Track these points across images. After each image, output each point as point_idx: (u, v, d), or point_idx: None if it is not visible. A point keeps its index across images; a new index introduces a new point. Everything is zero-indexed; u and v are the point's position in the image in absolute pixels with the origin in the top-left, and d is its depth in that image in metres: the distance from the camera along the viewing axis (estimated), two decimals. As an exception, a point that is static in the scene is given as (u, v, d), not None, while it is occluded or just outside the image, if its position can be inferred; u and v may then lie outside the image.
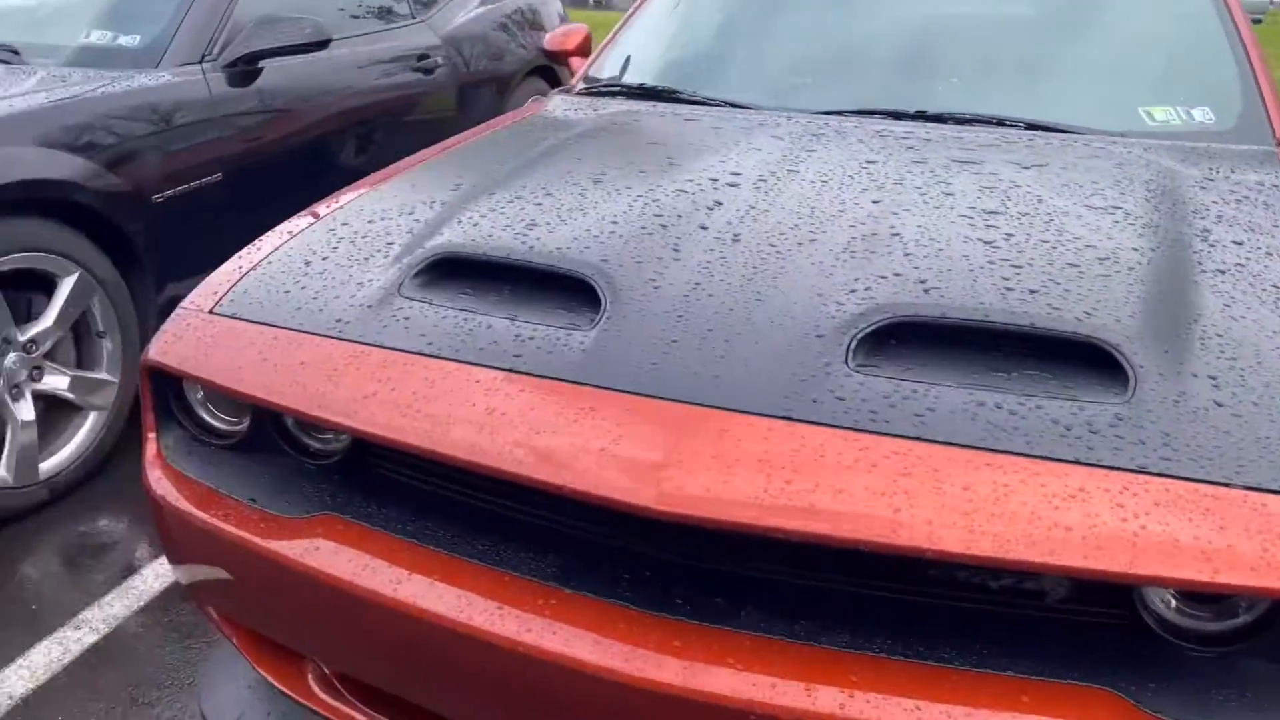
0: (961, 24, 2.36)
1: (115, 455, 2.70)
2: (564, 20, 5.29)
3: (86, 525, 2.47)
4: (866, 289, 1.34)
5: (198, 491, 1.49)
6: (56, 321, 2.47)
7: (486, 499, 1.35)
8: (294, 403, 1.34)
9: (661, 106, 2.27)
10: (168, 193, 2.72)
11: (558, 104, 2.42)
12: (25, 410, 2.43)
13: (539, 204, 1.64)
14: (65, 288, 2.48)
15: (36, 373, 2.47)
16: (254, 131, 3.02)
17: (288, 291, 1.51)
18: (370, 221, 1.70)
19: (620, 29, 2.77)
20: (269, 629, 1.53)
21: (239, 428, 1.56)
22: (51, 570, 2.29)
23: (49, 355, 2.51)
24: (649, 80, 2.45)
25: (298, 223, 1.75)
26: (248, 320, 1.47)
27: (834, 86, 2.26)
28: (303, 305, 1.47)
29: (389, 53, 3.73)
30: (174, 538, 1.52)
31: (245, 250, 1.67)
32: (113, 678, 1.96)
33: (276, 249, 1.64)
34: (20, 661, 1.99)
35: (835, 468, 1.11)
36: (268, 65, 3.08)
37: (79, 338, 2.61)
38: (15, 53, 2.81)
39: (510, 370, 1.29)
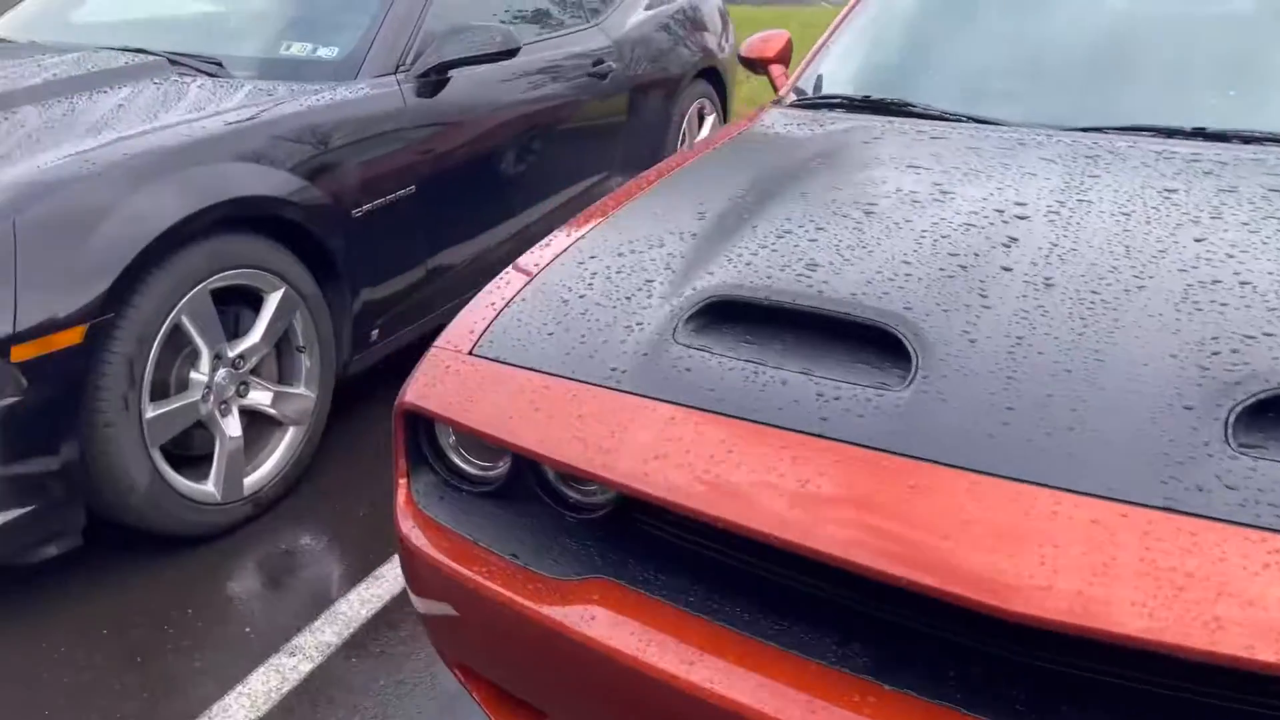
0: (1238, 25, 2.13)
1: (310, 470, 2.69)
2: (725, 18, 5.15)
3: (288, 543, 2.46)
4: (1234, 351, 1.16)
5: (454, 542, 1.41)
6: (263, 337, 2.47)
7: (783, 573, 1.23)
8: (574, 460, 1.24)
9: (897, 123, 2.11)
10: (366, 207, 2.69)
11: (775, 119, 2.28)
12: (233, 426, 2.44)
13: (813, 240, 1.51)
14: (272, 303, 2.48)
15: (243, 388, 2.47)
16: (444, 143, 2.98)
17: (550, 334, 1.42)
18: (620, 255, 1.59)
19: (832, 34, 2.62)
20: (518, 688, 1.45)
21: (492, 473, 1.48)
22: (260, 591, 2.28)
23: (253, 371, 2.51)
24: (874, 92, 2.29)
25: (539, 255, 1.66)
26: (513, 364, 1.39)
27: (1092, 99, 2.05)
28: (571, 350, 1.38)
29: (568, 58, 3.66)
30: (426, 585, 1.44)
31: (492, 286, 1.58)
32: (331, 713, 1.92)
33: (527, 285, 1.55)
34: (240, 689, 1.97)
35: (1242, 575, 0.94)
36: (455, 74, 3.04)
37: (279, 353, 2.60)
38: (219, 65, 2.83)
39: (818, 435, 1.16)
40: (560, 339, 1.41)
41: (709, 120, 4.85)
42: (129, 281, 2.11)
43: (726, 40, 5.04)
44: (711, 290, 1.41)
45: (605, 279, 1.52)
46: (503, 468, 1.46)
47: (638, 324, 1.39)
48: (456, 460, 1.50)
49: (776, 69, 2.83)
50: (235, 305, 2.47)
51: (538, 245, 1.72)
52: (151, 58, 2.82)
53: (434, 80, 2.98)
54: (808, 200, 1.67)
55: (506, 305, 1.51)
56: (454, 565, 1.37)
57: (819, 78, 2.48)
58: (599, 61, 3.85)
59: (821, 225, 1.55)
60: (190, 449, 2.41)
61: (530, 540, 1.38)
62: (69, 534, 2.16)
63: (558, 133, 3.58)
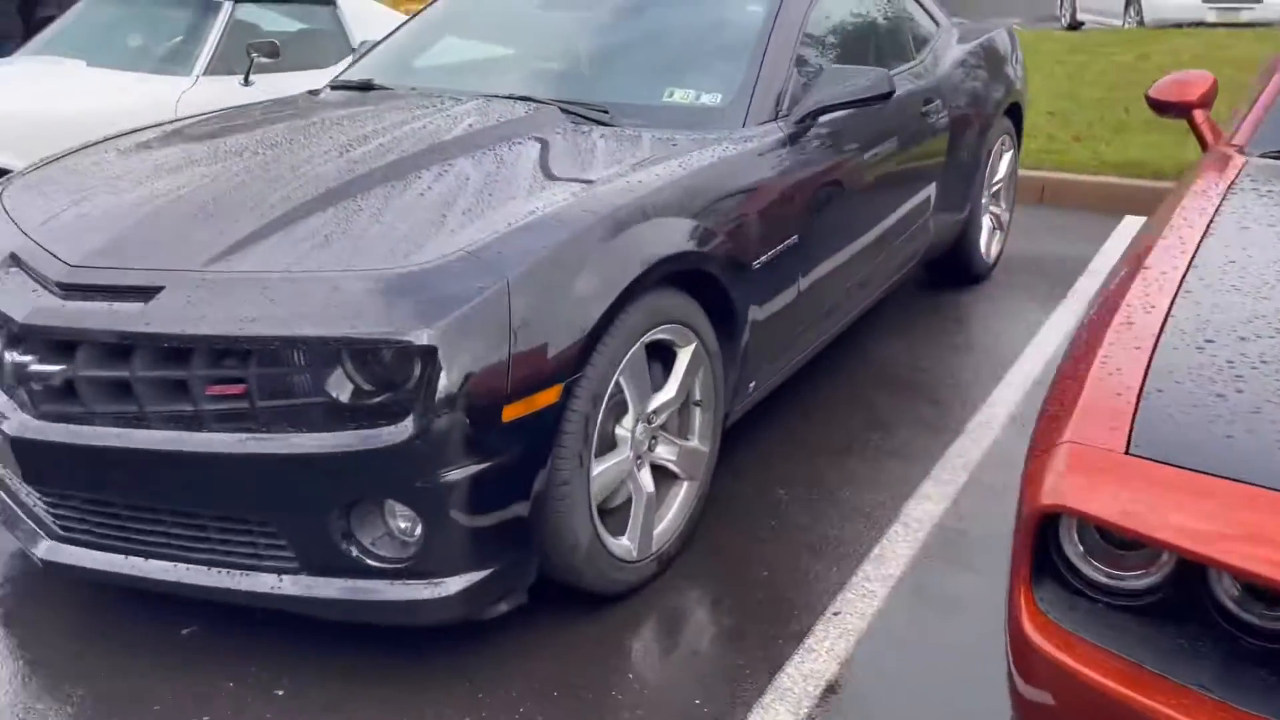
0: None
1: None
2: (1014, 49, 4.92)
3: (701, 606, 2.39)
4: None
5: (1107, 662, 1.28)
6: (677, 392, 2.42)
7: None
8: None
9: None
10: (763, 258, 2.62)
11: (1248, 192, 2.06)
12: (647, 481, 2.39)
13: None
14: (685, 357, 2.42)
15: (652, 442, 2.43)
16: (814, 190, 2.89)
17: (1228, 436, 1.27)
18: (1244, 340, 1.44)
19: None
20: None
21: (1129, 584, 1.34)
22: (692, 658, 2.21)
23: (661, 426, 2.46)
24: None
25: (1129, 335, 1.51)
26: (1192, 469, 1.25)
27: None
28: (1259, 452, 1.23)
29: (909, 97, 3.53)
30: (1070, 707, 1.31)
31: (1099, 372, 1.45)
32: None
33: (1147, 373, 1.41)
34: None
35: None
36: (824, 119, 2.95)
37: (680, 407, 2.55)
38: (605, 112, 2.82)
39: None
40: (1242, 442, 1.26)
41: (1006, 157, 4.64)
42: (594, 339, 2.08)
43: (1021, 71, 4.82)
44: None
45: (1251, 368, 1.37)
46: (1149, 579, 1.32)
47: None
48: (1085, 567, 1.37)
49: (1200, 114, 2.62)
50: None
51: (1102, 315, 1.58)
52: (545, 106, 2.83)
53: (809, 126, 2.89)
54: None
55: (1139, 397, 1.37)
56: (1123, 691, 1.24)
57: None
58: (928, 101, 3.70)
59: None
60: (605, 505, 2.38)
61: (1210, 668, 1.24)
62: (519, 591, 2.14)
63: (897, 176, 3.46)
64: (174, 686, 2.13)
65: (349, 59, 5.34)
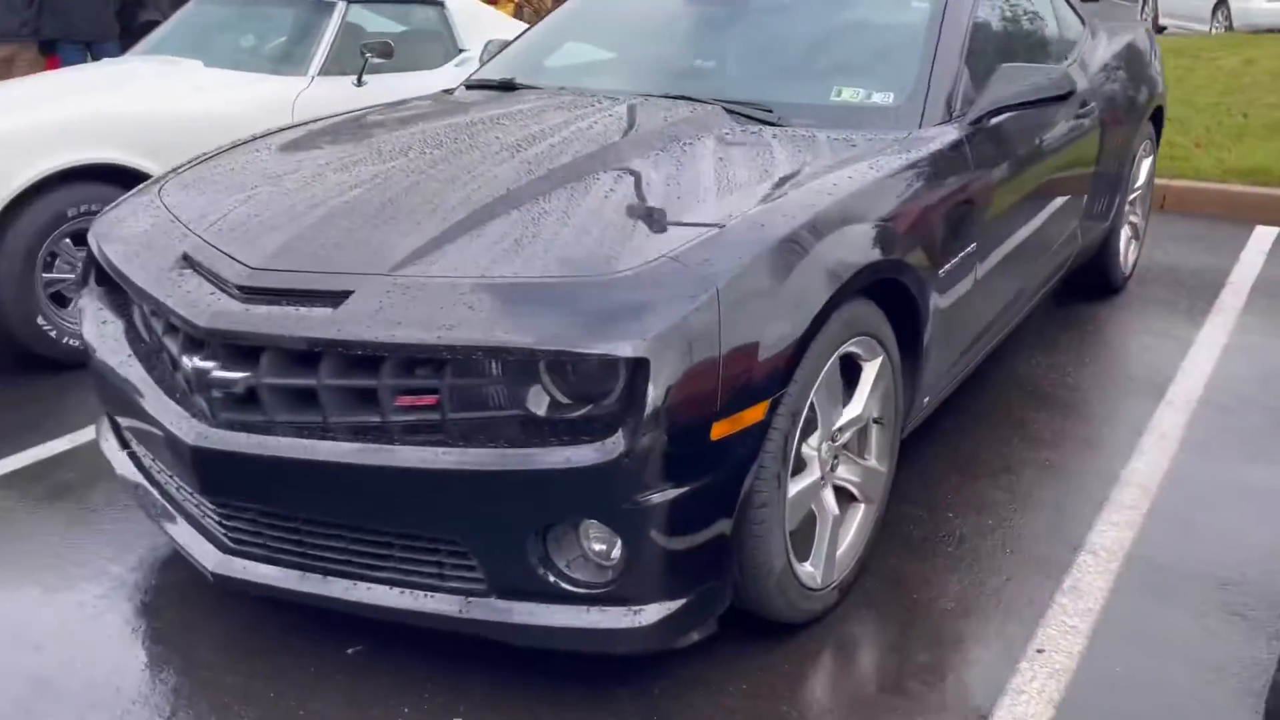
0: None
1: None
2: (1154, 49, 4.70)
3: (882, 636, 2.24)
4: None
5: None
6: (864, 409, 2.27)
7: None
8: None
9: None
10: (947, 266, 2.47)
11: None
12: (833, 503, 2.25)
13: None
14: (872, 371, 2.28)
15: (834, 463, 2.28)
16: (991, 194, 2.73)
17: None
18: None
19: None
20: None
21: None
22: (885, 702, 2.06)
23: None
24: None
25: None
26: None
27: None
28: None
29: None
30: None
31: None
32: None
33: None
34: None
35: None
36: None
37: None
38: (769, 111, 2.68)
39: None
40: None
41: (1146, 163, 4.42)
42: (799, 351, 1.94)
43: (1161, 73, 4.60)
44: None
45: None
46: None
47: None
48: None
49: None
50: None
51: None
52: (707, 106, 2.70)
53: (985, 127, 2.74)
54: None
55: None
56: None
57: None
58: (1084, 103, 3.52)
59: None
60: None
61: None
62: (711, 620, 2.01)
63: (1054, 182, 3.28)
64: (347, 709, 2.03)
65: (455, 59, 5.31)
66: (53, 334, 3.60)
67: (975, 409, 3.34)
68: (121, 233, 2.37)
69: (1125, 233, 4.31)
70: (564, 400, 1.83)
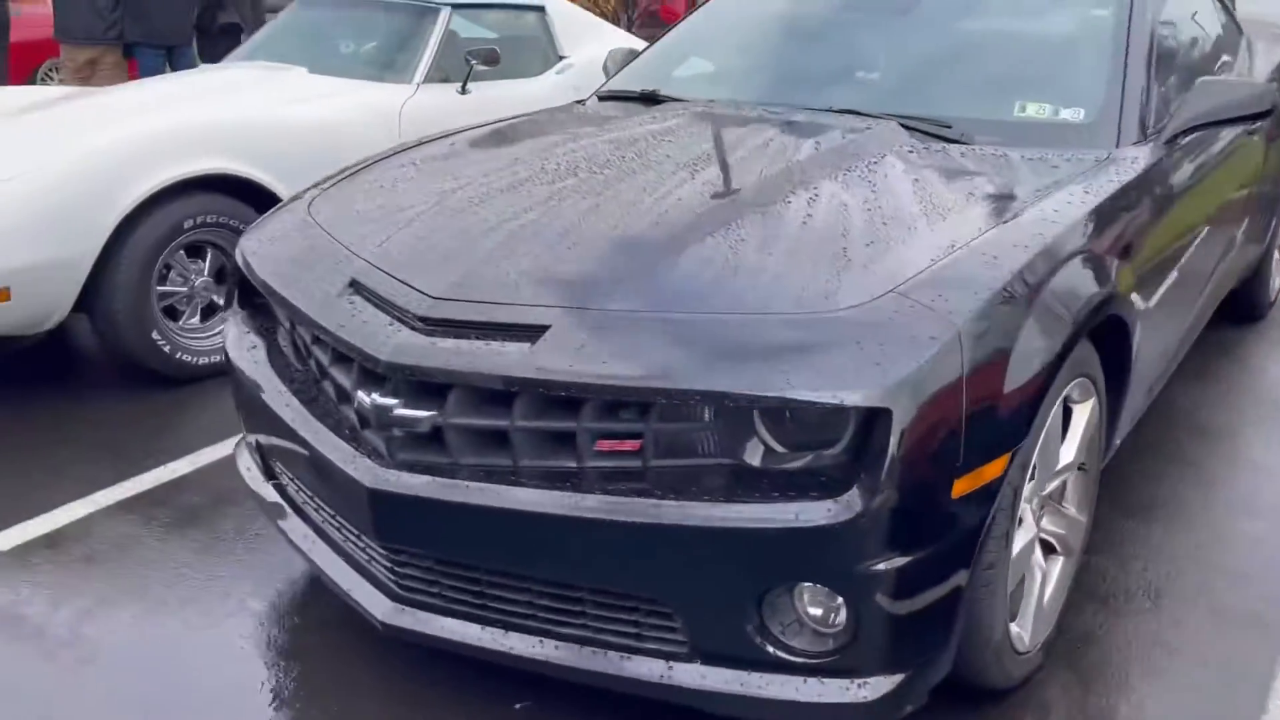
0: None
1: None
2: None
3: (1098, 703, 2.05)
4: None
5: None
6: (1075, 455, 2.08)
7: None
8: None
9: None
10: (1154, 298, 2.27)
11: None
12: (1040, 558, 2.06)
13: None
14: (1084, 415, 2.09)
15: (1041, 513, 2.09)
16: (1187, 218, 2.53)
17: None
18: None
19: None
20: None
21: None
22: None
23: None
24: None
25: None
26: None
27: None
28: None
29: (1246, 115, 3.13)
30: None
31: None
32: None
33: None
34: None
35: None
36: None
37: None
38: (948, 127, 2.49)
39: None
40: None
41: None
42: (1039, 398, 1.76)
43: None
44: None
45: None
46: None
47: None
48: None
49: None
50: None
51: None
52: (881, 121, 2.52)
53: (1178, 146, 2.53)
54: None
55: None
56: None
57: None
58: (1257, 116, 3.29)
59: None
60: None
61: None
62: (924, 692, 1.83)
63: (1227, 203, 3.06)
64: (523, 774, 1.88)
65: (557, 67, 5.18)
66: (166, 349, 3.50)
67: (1133, 440, 3.12)
68: (275, 252, 2.24)
69: (1277, 255, 4.07)
70: (779, 449, 1.67)
